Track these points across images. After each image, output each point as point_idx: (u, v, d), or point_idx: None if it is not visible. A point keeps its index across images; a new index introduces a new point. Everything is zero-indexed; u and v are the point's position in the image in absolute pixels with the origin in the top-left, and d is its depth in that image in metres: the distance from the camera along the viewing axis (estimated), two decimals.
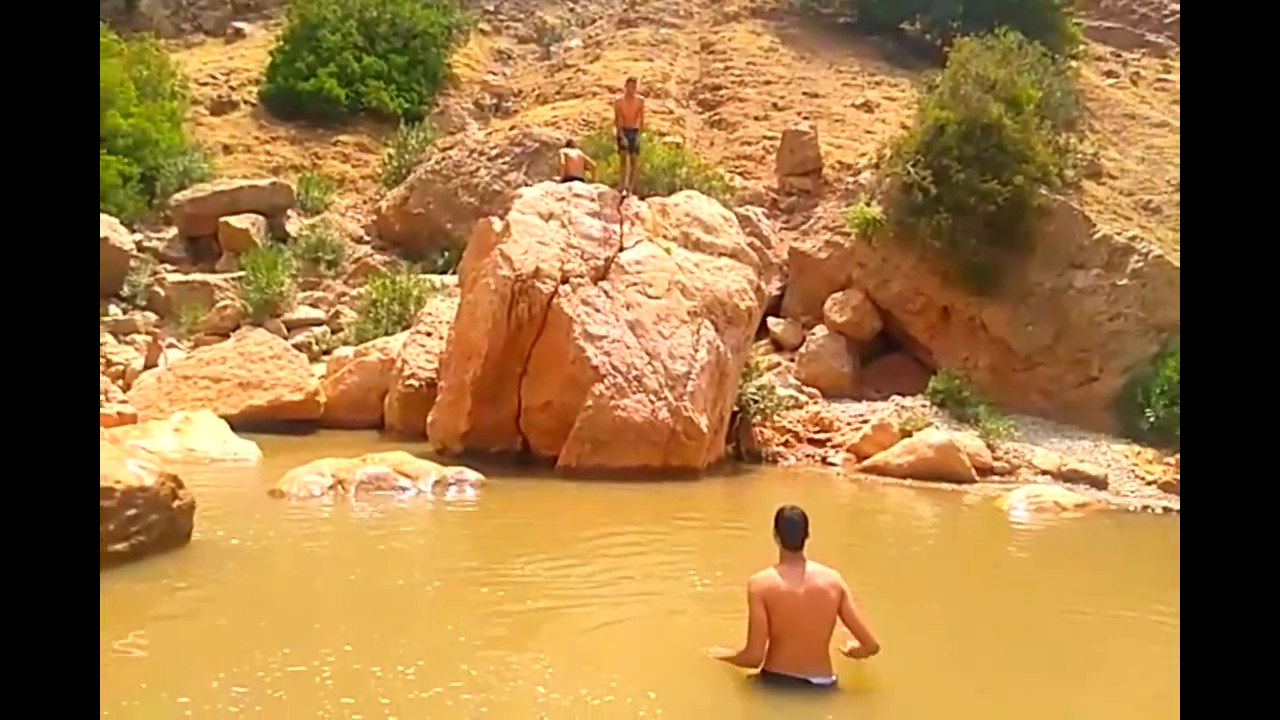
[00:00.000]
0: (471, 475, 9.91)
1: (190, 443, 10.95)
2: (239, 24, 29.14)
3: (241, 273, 17.65)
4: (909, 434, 12.95)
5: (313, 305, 17.80)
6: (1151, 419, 13.52)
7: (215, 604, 6.01)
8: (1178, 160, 20.08)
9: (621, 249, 12.35)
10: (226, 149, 23.08)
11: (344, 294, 18.22)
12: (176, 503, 6.89)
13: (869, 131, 20.29)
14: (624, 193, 13.14)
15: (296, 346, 15.26)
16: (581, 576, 7.00)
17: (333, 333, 16.91)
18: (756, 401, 13.40)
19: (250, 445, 11.37)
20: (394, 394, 13.54)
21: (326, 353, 15.89)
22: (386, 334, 15.33)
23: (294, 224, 20.22)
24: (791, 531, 4.58)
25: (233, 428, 11.74)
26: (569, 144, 15.80)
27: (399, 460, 9.80)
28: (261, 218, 19.63)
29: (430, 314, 14.53)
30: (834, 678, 4.57)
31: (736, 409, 13.02)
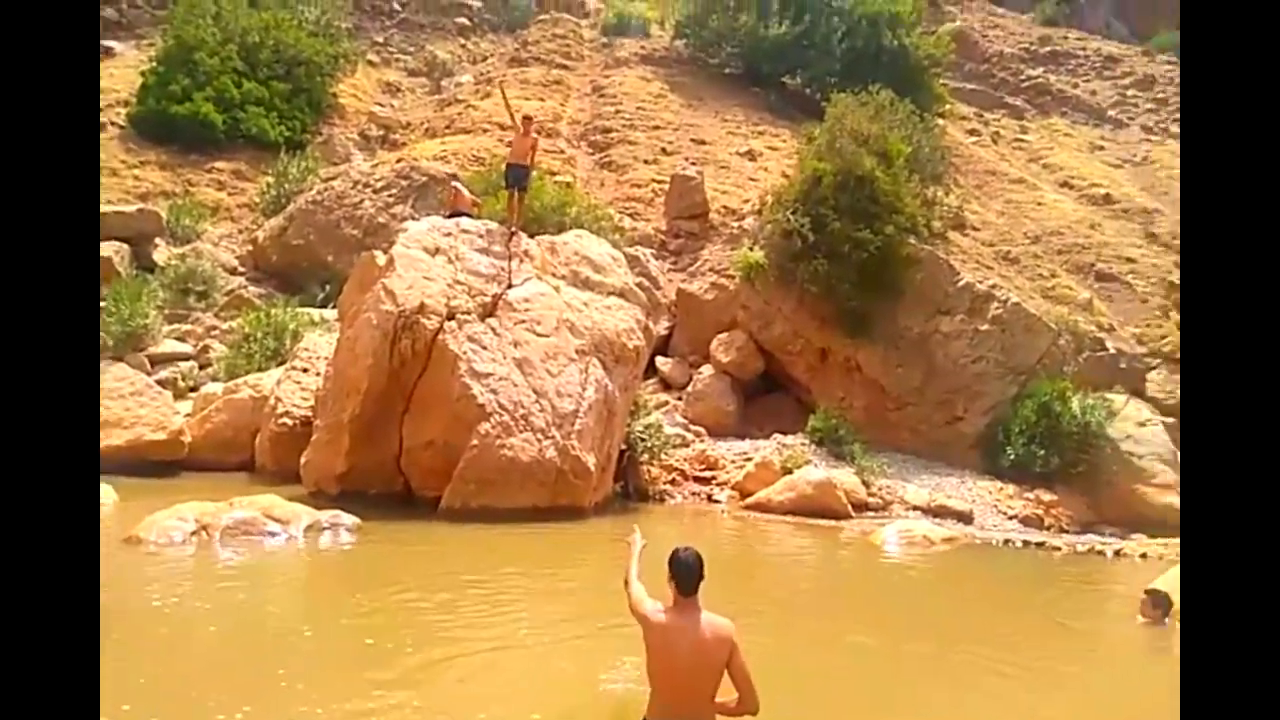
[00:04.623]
0: (347, 519, 9.55)
1: None
2: (109, 43, 27.62)
3: (102, 303, 16.54)
4: (790, 471, 13.32)
5: (180, 339, 16.83)
6: (1011, 457, 14.38)
7: None
8: (1033, 214, 21.73)
9: (510, 286, 12.30)
10: None
11: (214, 327, 17.33)
12: None
13: (752, 179, 21.03)
14: (512, 229, 13.13)
15: (161, 383, 14.37)
16: (458, 621, 6.83)
17: (201, 368, 16.01)
18: (644, 440, 13.51)
19: (105, 489, 10.58)
20: (266, 433, 12.93)
21: (194, 389, 15.02)
22: (260, 370, 14.65)
23: (162, 253, 19.16)
24: (685, 575, 4.22)
25: None
26: (455, 178, 15.68)
27: (269, 504, 9.35)
28: (126, 245, 18.51)
29: (307, 349, 14.00)
30: None
31: (624, 447, 13.09)
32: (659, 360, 16.67)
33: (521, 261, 12.77)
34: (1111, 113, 29.46)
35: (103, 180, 21.63)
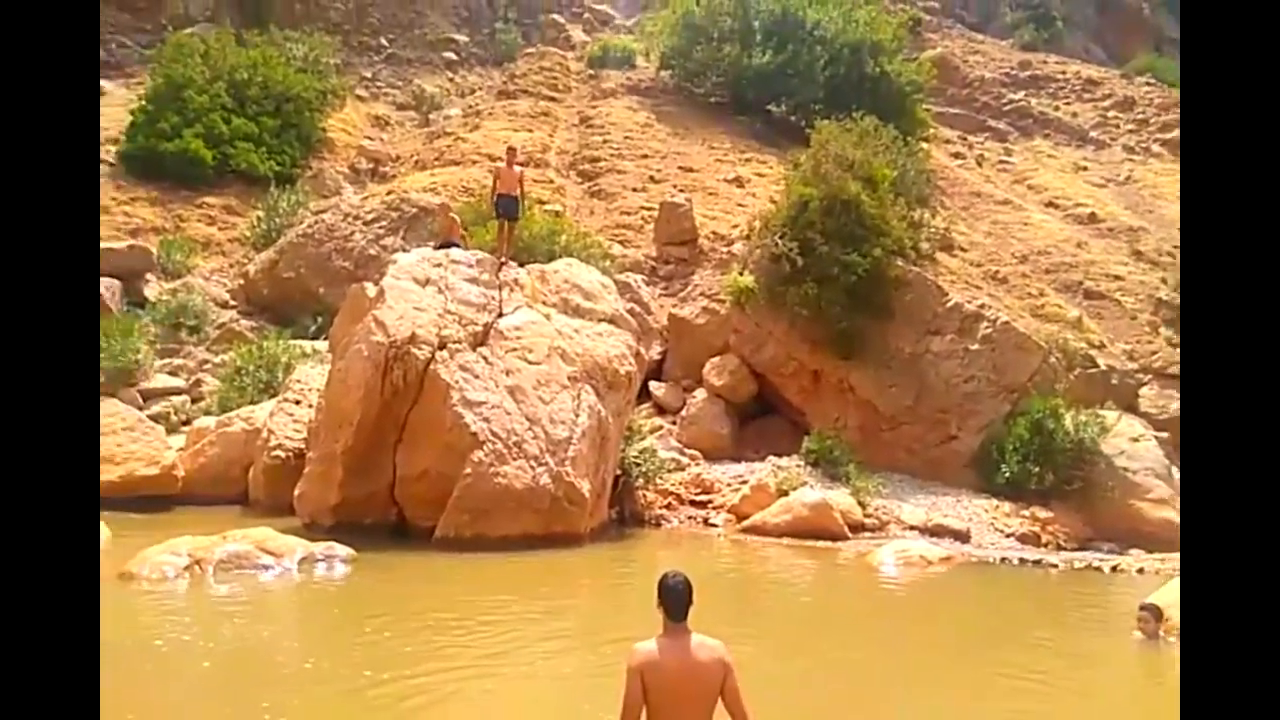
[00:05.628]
0: (342, 550, 9.48)
1: None
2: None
3: None
4: (785, 494, 13.29)
5: (172, 373, 16.80)
6: (1006, 474, 14.38)
7: None
8: (1020, 234, 21.93)
9: (501, 315, 12.33)
10: None
11: (206, 361, 17.30)
12: None
13: (740, 205, 21.20)
14: (502, 259, 13.19)
15: (153, 417, 14.32)
16: (456, 650, 6.76)
17: (193, 402, 15.97)
18: (639, 465, 13.49)
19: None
20: (259, 466, 12.86)
21: (186, 423, 14.97)
22: (252, 403, 14.61)
23: (153, 289, 19.17)
24: (675, 601, 4.17)
25: None
26: (447, 208, 15.78)
27: (262, 537, 9.29)
28: (117, 282, 18.51)
29: (300, 381, 13.97)
30: None
31: (619, 473, 13.05)
32: (652, 385, 16.68)
33: (512, 290, 12.82)
34: (1093, 134, 29.87)
35: None
